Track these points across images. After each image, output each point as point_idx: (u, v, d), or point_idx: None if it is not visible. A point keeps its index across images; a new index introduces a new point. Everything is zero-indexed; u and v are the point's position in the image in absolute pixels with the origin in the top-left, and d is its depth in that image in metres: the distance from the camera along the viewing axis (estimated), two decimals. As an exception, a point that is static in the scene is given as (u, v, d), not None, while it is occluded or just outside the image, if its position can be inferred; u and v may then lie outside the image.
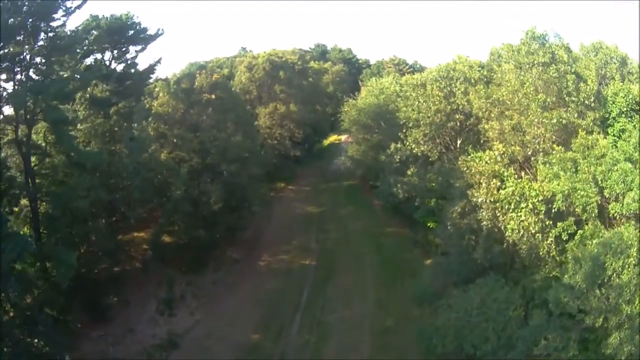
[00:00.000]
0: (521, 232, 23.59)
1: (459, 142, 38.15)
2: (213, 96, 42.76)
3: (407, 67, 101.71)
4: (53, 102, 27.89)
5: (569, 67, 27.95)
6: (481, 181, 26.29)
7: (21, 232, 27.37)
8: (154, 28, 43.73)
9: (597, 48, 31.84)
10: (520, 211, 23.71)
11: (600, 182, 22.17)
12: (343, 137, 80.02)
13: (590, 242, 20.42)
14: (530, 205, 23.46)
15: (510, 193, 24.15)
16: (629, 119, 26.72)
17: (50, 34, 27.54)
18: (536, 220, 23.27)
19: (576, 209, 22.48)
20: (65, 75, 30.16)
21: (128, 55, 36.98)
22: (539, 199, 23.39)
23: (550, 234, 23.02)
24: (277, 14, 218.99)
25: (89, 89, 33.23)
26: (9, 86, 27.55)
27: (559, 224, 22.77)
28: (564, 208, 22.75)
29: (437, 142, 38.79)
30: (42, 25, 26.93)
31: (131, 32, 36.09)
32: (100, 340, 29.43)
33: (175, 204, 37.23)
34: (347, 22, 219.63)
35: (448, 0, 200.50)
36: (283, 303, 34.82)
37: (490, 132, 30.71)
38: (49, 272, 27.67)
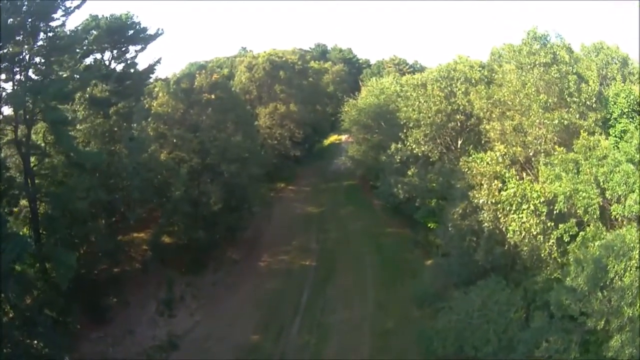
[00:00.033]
0: (522, 234, 23.53)
1: (459, 142, 38.05)
2: (213, 96, 42.65)
3: (407, 67, 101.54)
4: (52, 102, 27.83)
5: (571, 67, 27.82)
6: (482, 182, 26.21)
7: (20, 233, 27.30)
8: (154, 28, 43.56)
9: (598, 48, 31.74)
10: (522, 212, 23.65)
11: (602, 184, 22.11)
12: (343, 137, 79.92)
13: (592, 244, 20.35)
14: (532, 207, 23.39)
15: (512, 194, 24.09)
16: (631, 119, 26.65)
17: (50, 34, 27.47)
18: (538, 221, 23.19)
19: (578, 211, 22.39)
20: (64, 75, 30.09)
21: (128, 55, 36.85)
22: (541, 201, 23.33)
23: (552, 236, 22.94)
24: (277, 14, 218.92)
25: (88, 89, 33.14)
26: (9, 86, 27.52)
27: (560, 225, 22.68)
28: (566, 209, 22.68)
29: (438, 143, 38.69)
30: (42, 25, 26.85)
31: (131, 32, 35.96)
32: (100, 341, 29.36)
33: (175, 205, 37.14)
34: (347, 22, 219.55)
35: (448, 0, 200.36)
36: (283, 304, 34.76)
37: (491, 132, 30.60)
38: (49, 273, 27.65)
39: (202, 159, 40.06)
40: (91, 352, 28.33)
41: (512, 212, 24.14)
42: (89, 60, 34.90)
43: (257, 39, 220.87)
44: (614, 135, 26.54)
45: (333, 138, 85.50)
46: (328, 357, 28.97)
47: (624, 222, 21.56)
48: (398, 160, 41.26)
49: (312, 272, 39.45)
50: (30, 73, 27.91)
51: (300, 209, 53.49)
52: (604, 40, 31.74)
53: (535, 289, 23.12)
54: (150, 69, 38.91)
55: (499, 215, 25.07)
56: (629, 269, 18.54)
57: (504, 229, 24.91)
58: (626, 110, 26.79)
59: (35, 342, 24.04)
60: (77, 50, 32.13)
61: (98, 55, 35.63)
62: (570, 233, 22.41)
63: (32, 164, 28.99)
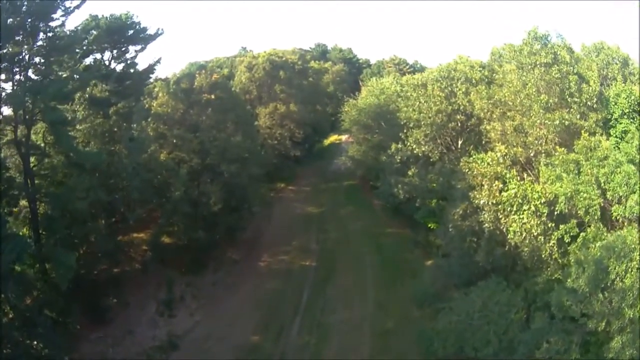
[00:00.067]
0: (523, 235, 23.48)
1: (460, 142, 37.98)
2: (213, 96, 42.60)
3: (407, 67, 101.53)
4: (52, 102, 27.79)
5: (571, 67, 27.76)
6: (483, 183, 26.18)
7: (20, 233, 27.33)
8: (154, 28, 43.57)
9: (598, 48, 31.63)
10: (523, 213, 23.61)
11: (603, 185, 22.08)
12: (343, 137, 79.88)
13: (593, 245, 20.32)
14: (533, 208, 23.35)
15: (513, 195, 24.06)
16: (631, 120, 26.58)
17: (49, 34, 27.45)
18: (538, 222, 23.14)
19: (579, 212, 22.35)
20: (64, 76, 30.05)
21: (127, 55, 36.78)
22: (542, 201, 23.29)
23: (553, 237, 22.89)
24: (277, 14, 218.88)
25: (88, 89, 33.12)
26: (8, 86, 27.49)
27: (561, 226, 22.64)
28: (567, 210, 22.64)
29: (438, 143, 38.63)
30: (41, 25, 26.81)
31: (131, 31, 35.89)
32: (100, 341, 29.33)
33: (174, 205, 37.09)
34: (347, 22, 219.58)
35: (448, 0, 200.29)
36: (283, 304, 34.74)
37: (492, 133, 30.54)
38: (48, 274, 27.63)
39: (202, 159, 40.01)
40: (91, 352, 28.30)
41: (512, 212, 24.11)
42: (88, 60, 34.88)
43: (257, 39, 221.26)
44: (614, 135, 26.48)
45: (333, 138, 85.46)
46: (328, 357, 28.94)
47: (625, 223, 21.52)
48: (398, 161, 41.18)
49: (312, 272, 39.42)
50: (30, 73, 27.88)
51: (300, 209, 53.45)
52: (605, 40, 31.71)
53: (536, 290, 23.09)
54: (150, 69, 38.86)
55: (500, 216, 25.04)
56: (629, 270, 18.53)
57: (504, 229, 24.88)
58: (627, 110, 26.72)
59: (35, 342, 24.02)
60: (77, 50, 32.08)
61: (98, 55, 35.60)
62: (571, 234, 22.36)
63: (31, 164, 28.96)
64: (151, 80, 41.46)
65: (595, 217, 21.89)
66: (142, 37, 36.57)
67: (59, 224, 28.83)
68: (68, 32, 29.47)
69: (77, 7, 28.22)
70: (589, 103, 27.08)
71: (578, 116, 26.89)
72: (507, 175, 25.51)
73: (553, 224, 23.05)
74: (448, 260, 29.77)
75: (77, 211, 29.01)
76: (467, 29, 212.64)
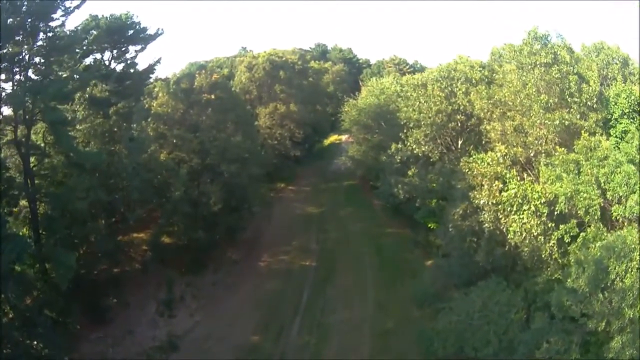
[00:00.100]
0: (523, 235, 23.47)
1: (460, 142, 37.98)
2: (213, 96, 42.61)
3: (407, 67, 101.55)
4: (52, 102, 27.78)
5: (571, 67, 27.74)
6: (483, 183, 26.17)
7: (20, 233, 27.32)
8: (154, 28, 43.55)
9: (598, 48, 31.62)
10: (523, 213, 23.60)
11: (602, 185, 22.07)
12: (343, 137, 79.88)
13: (593, 245, 20.32)
14: (533, 208, 23.34)
15: (513, 195, 24.05)
16: (631, 120, 26.57)
17: (49, 34, 27.44)
18: (538, 222, 23.13)
19: (579, 212, 22.35)
20: (64, 76, 30.05)
21: (127, 55, 36.74)
22: (542, 201, 23.28)
23: (553, 237, 22.88)
24: (277, 14, 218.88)
25: (88, 89, 33.10)
26: (8, 86, 27.49)
27: (561, 226, 22.63)
28: (567, 210, 22.63)
29: (438, 143, 38.62)
30: (41, 25, 26.80)
31: (131, 31, 35.86)
32: (100, 341, 29.33)
33: (174, 205, 37.10)
34: (347, 22, 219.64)
35: (448, 0, 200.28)
36: (283, 304, 34.74)
37: (492, 133, 30.53)
38: (48, 274, 27.62)
39: (202, 159, 40.02)
40: (91, 352, 28.31)
41: (512, 212, 24.10)
42: (88, 60, 34.85)
43: (257, 39, 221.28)
44: (614, 135, 26.47)
45: (333, 138, 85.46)
46: (328, 357, 28.95)
47: (625, 223, 21.52)
48: (398, 161, 41.19)
49: (312, 272, 39.42)
50: (30, 73, 27.88)
51: (300, 209, 53.45)
52: (605, 40, 31.70)
53: (536, 290, 23.09)
54: (150, 69, 38.85)
55: (500, 216, 25.03)
56: (629, 270, 18.53)
57: (504, 229, 24.87)
58: (627, 110, 26.71)
59: (35, 342, 24.01)
60: (77, 50, 32.06)
61: (98, 55, 35.56)
62: (571, 234, 22.36)
63: (31, 164, 28.95)
64: (151, 80, 41.46)
65: (595, 217, 21.88)
66: (142, 37, 36.55)
67: (59, 224, 28.84)
68: (68, 32, 29.47)
69: (77, 7, 28.23)
70: (589, 103, 27.07)
71: (578, 116, 26.88)
72: (507, 175, 25.50)
73: (553, 224, 23.05)
74: (448, 260, 29.76)
75: (77, 211, 29.01)
76: (467, 29, 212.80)
